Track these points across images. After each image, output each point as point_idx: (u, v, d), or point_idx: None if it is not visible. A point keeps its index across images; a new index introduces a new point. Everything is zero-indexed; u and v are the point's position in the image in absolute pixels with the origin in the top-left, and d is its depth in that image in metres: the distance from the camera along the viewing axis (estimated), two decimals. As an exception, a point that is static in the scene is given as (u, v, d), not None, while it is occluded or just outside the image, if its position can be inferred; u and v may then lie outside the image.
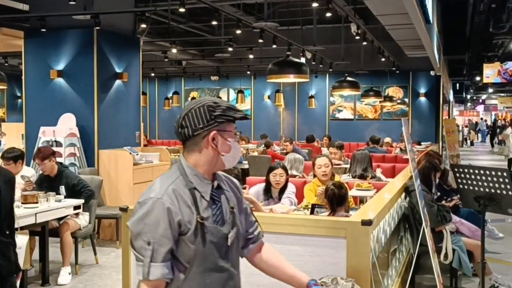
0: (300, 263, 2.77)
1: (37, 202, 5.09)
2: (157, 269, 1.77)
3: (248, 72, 15.00)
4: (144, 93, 14.19)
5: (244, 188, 4.68)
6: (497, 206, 3.77)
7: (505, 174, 3.64)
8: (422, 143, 13.28)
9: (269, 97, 16.55)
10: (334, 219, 3.36)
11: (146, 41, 9.73)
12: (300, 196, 5.17)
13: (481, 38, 13.95)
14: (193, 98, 17.01)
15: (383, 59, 11.76)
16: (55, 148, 6.50)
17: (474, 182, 3.81)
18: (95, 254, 6.01)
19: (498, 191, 3.68)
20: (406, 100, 15.29)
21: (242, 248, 2.07)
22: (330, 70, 12.43)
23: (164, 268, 1.78)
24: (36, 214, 5.02)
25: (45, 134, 7.19)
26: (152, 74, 16.02)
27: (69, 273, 5.44)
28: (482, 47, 15.53)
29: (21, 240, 4.19)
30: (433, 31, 8.95)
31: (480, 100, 42.16)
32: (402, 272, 4.62)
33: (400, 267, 4.67)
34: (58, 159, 6.08)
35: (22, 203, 5.04)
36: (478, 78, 21.34)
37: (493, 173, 3.67)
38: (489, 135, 31.63)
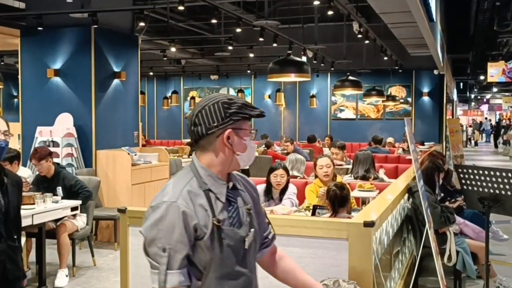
0: (301, 265, 2.76)
1: (34, 203, 5.04)
2: (174, 277, 1.70)
3: (249, 71, 15.00)
4: (142, 93, 14.20)
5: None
6: (502, 207, 3.74)
7: (510, 174, 3.60)
8: (425, 143, 13.26)
9: (269, 97, 16.51)
10: (336, 221, 3.35)
11: (145, 40, 9.74)
12: (301, 197, 5.16)
13: (485, 36, 13.95)
14: (192, 97, 17.03)
15: (385, 58, 11.74)
16: (52, 149, 6.47)
17: (478, 183, 3.78)
18: (92, 256, 5.99)
19: (503, 192, 3.65)
20: (409, 99, 15.23)
21: None
22: (332, 69, 12.42)
23: (180, 276, 1.71)
24: (33, 215, 4.97)
25: (42, 134, 7.17)
26: (151, 73, 16.03)
27: (66, 276, 5.41)
28: (486, 46, 15.49)
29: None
30: (436, 30, 8.92)
31: (485, 100, 42.12)
32: (405, 275, 4.62)
33: (403, 269, 4.66)
34: (55, 160, 6.07)
35: (18, 204, 4.98)
36: (482, 77, 21.32)
37: (498, 173, 3.65)
38: (492, 135, 31.58)
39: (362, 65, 12.13)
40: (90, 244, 5.99)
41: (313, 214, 4.25)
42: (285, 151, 10.59)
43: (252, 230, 1.85)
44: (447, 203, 5.34)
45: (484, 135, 34.93)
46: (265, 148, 11.01)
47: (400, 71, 13.91)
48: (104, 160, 7.24)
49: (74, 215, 5.60)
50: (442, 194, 5.48)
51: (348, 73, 11.44)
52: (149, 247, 1.73)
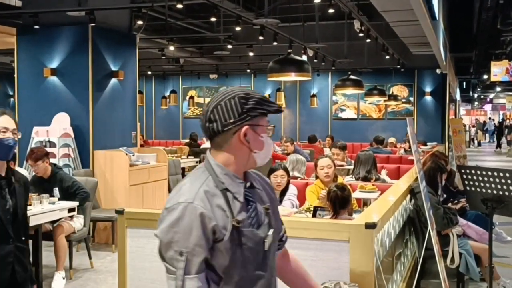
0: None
1: (30, 205, 4.97)
2: (191, 282, 1.62)
3: (248, 70, 14.99)
4: (140, 92, 14.12)
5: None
6: (505, 208, 3.75)
7: (513, 175, 3.63)
8: (427, 144, 13.24)
9: (269, 96, 16.42)
10: (337, 222, 3.37)
11: (143, 38, 9.73)
12: (302, 198, 5.15)
13: (488, 35, 13.97)
14: (191, 97, 17.01)
15: (387, 57, 11.75)
16: (48, 149, 6.47)
17: (482, 184, 3.80)
18: (90, 258, 5.98)
19: (507, 193, 3.66)
20: (411, 99, 15.21)
21: None
22: (333, 68, 12.40)
23: (198, 281, 1.63)
24: (29, 216, 4.88)
25: (38, 134, 7.15)
26: (149, 72, 16.01)
27: (63, 278, 5.40)
28: (489, 45, 15.50)
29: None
30: (439, 28, 8.88)
31: (488, 99, 42.07)
32: (407, 277, 4.62)
33: (405, 271, 4.66)
34: (52, 160, 6.05)
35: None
36: (485, 77, 21.27)
37: (501, 174, 3.66)
38: (495, 135, 31.55)
39: (364, 64, 12.10)
40: (87, 246, 5.99)
41: (314, 215, 4.23)
42: (285, 152, 10.54)
43: (271, 230, 1.77)
44: (449, 204, 5.33)
45: (487, 135, 34.91)
46: (266, 148, 10.95)
47: (402, 70, 13.88)
48: (102, 160, 7.21)
49: (71, 217, 5.60)
50: (445, 195, 5.52)
51: (349, 72, 11.39)
52: (165, 251, 1.64)
